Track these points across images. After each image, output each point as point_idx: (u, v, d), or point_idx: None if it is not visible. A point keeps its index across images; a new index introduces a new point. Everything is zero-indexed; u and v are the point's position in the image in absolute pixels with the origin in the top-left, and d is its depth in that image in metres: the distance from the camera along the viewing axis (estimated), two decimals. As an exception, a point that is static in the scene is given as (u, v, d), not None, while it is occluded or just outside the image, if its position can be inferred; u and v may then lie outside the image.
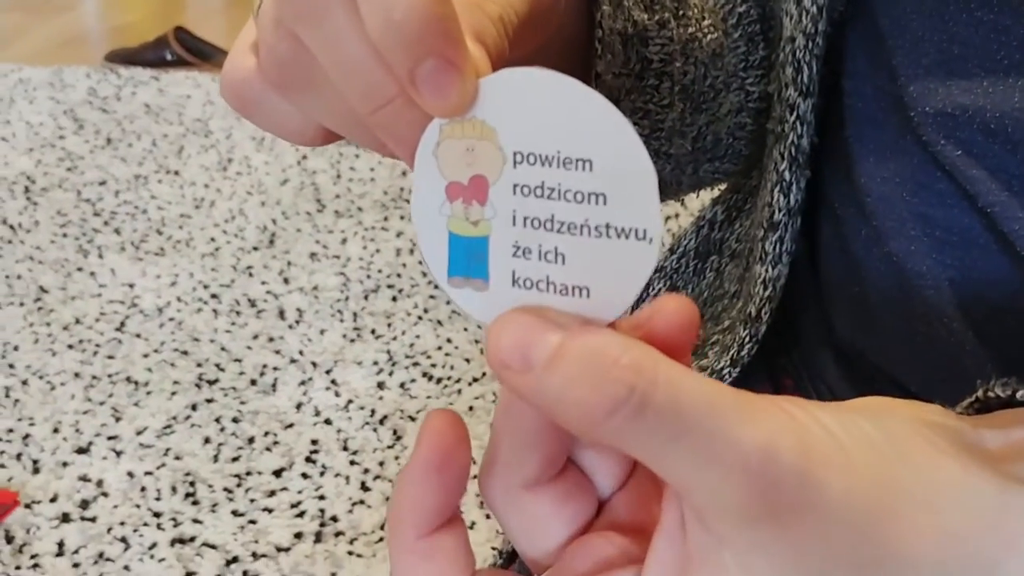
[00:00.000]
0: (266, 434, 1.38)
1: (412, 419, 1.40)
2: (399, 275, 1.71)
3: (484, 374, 1.47)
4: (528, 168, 0.28)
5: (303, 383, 1.47)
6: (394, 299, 1.65)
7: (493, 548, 1.21)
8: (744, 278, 0.60)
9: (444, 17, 0.27)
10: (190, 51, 2.52)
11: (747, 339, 0.57)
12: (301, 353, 1.53)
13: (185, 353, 1.53)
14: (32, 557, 1.19)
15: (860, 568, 0.27)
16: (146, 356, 1.53)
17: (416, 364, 1.50)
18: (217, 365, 1.51)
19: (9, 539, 1.21)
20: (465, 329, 1.57)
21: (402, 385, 1.46)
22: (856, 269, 0.56)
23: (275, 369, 1.49)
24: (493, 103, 0.28)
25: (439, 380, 1.47)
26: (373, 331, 1.57)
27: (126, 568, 1.18)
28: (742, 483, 0.25)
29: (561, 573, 0.30)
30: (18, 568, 1.17)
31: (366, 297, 1.65)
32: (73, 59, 2.60)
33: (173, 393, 1.46)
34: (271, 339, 1.56)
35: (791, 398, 0.28)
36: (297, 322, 1.60)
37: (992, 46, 0.48)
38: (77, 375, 1.49)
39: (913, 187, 0.52)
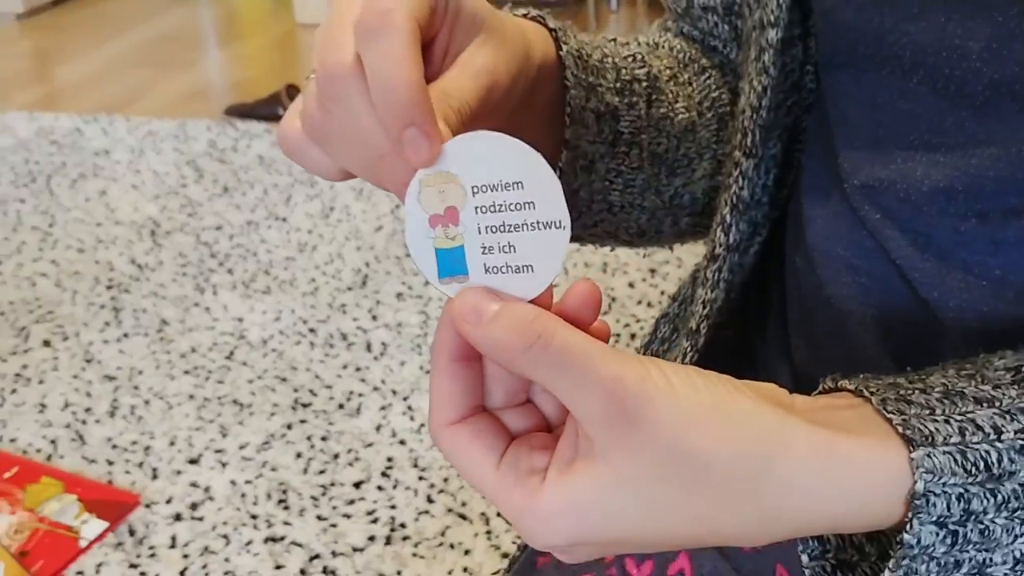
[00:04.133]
0: (349, 451, 1.58)
1: (476, 442, 1.59)
2: (473, 314, 1.90)
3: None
4: (483, 194, 0.40)
5: (383, 408, 1.67)
6: (468, 336, 1.84)
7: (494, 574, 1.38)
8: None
9: (423, 101, 0.39)
10: (300, 106, 2.77)
11: (688, 349, 0.67)
12: (383, 382, 1.73)
13: (284, 380, 1.75)
14: (150, 548, 1.41)
15: (676, 461, 0.38)
16: (250, 382, 1.75)
17: (483, 394, 1.69)
18: (311, 391, 1.72)
19: (132, 532, 1.44)
20: (528, 364, 1.76)
21: (469, 412, 1.65)
22: (808, 312, 0.64)
23: (360, 395, 1.70)
24: (454, 158, 0.40)
25: (502, 408, 1.66)
26: (447, 364, 1.77)
27: (226, 560, 1.39)
28: (600, 398, 0.38)
29: (520, 443, 0.43)
30: (139, 556, 1.39)
31: (443, 334, 1.85)
32: (196, 112, 2.87)
33: (272, 414, 1.67)
34: (358, 369, 1.76)
35: (651, 357, 0.40)
36: (381, 354, 1.80)
37: (907, 130, 0.55)
38: (191, 397, 1.72)
39: (845, 244, 0.60)
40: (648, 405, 0.38)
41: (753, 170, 0.63)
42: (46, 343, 1.86)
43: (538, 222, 0.40)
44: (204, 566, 1.38)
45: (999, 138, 0.51)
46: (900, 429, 0.40)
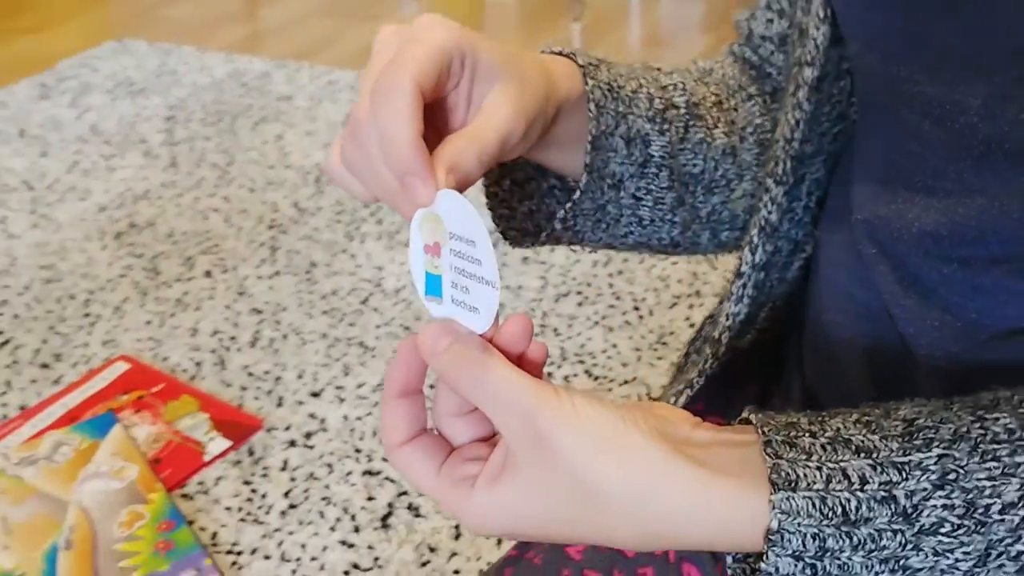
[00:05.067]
0: (451, 401, 1.73)
1: (566, 406, 1.71)
2: (589, 284, 2.01)
3: (635, 377, 1.76)
4: (455, 241, 0.48)
5: (489, 365, 1.80)
6: (579, 304, 1.96)
7: None
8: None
9: (419, 156, 0.48)
10: (470, 66, 2.90)
11: (709, 356, 0.71)
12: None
13: (408, 328, 1.91)
14: (264, 469, 1.60)
15: (576, 484, 0.46)
16: (378, 327, 1.92)
17: (581, 362, 1.80)
18: (427, 342, 1.87)
19: (251, 453, 1.63)
20: (630, 338, 1.86)
21: (565, 378, 1.77)
22: (814, 332, 0.69)
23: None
24: (442, 204, 0.48)
25: (596, 377, 1.77)
26: (555, 329, 1.89)
27: (326, 487, 1.56)
28: (519, 424, 0.46)
29: (456, 455, 0.51)
30: (252, 475, 1.58)
31: (557, 300, 1.97)
32: (377, 64, 3.04)
33: (391, 358, 1.83)
34: (473, 326, 1.90)
35: (573, 388, 0.47)
36: (497, 314, 1.93)
37: (914, 172, 0.59)
38: (324, 335, 1.90)
39: (847, 274, 0.64)
40: (555, 434, 0.46)
41: (783, 196, 0.67)
42: (207, 273, 2.08)
43: (482, 277, 0.48)
44: (306, 490, 1.55)
45: (990, 191, 0.55)
46: (769, 472, 0.46)
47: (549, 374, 1.78)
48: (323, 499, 1.54)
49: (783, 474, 0.46)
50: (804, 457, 0.46)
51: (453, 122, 0.55)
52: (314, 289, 2.03)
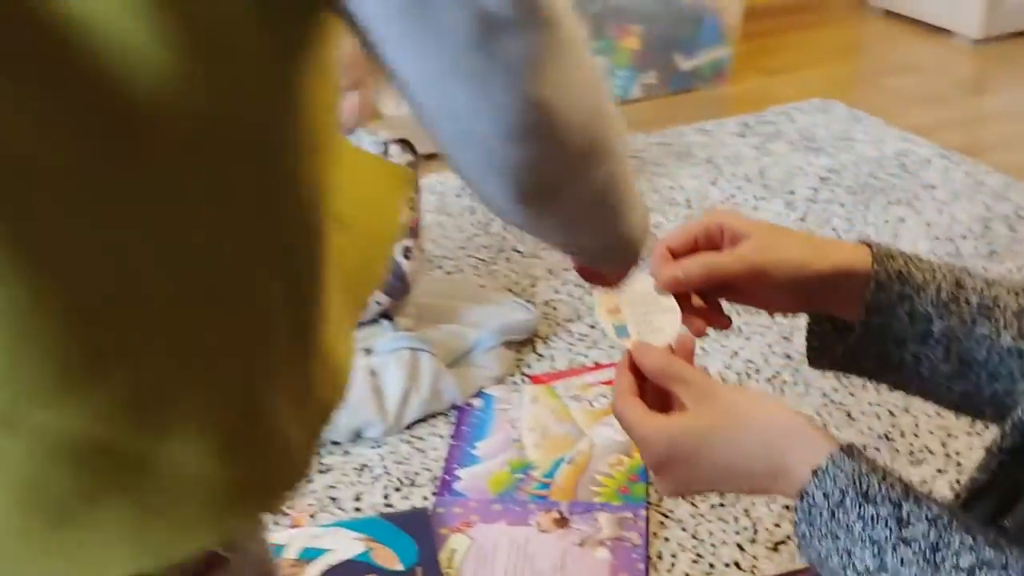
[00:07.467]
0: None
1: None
2: None
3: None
4: (638, 301, 0.87)
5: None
6: None
7: None
8: None
9: (662, 263, 0.89)
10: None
11: (952, 499, 0.81)
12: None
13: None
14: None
15: (731, 414, 0.75)
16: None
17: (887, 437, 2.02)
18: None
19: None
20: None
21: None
22: None
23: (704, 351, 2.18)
24: (633, 283, 0.89)
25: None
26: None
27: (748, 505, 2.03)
28: (695, 392, 0.78)
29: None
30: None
31: None
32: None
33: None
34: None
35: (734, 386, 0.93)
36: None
37: None
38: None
39: None
40: (725, 393, 0.77)
41: None
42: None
43: (666, 310, 0.86)
44: (722, 503, 2.03)
45: None
46: (840, 446, 0.70)
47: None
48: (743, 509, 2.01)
49: (851, 449, 0.69)
50: (862, 456, 0.69)
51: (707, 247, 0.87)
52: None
